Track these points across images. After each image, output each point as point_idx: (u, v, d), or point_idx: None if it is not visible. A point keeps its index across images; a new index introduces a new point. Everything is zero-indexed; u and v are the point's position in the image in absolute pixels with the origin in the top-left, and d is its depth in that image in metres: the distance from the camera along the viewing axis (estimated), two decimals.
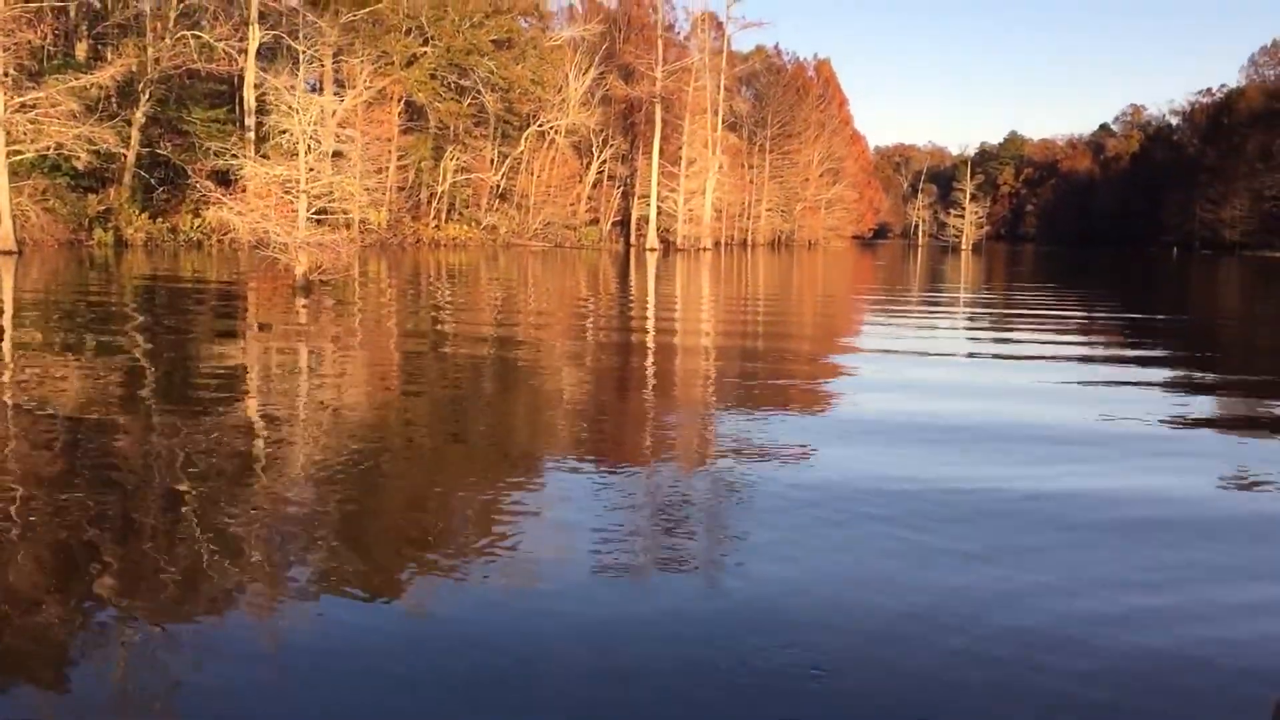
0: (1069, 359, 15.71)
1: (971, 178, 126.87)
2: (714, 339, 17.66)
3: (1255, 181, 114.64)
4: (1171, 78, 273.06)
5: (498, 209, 67.40)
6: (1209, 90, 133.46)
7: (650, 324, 20.47)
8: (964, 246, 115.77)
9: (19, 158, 36.00)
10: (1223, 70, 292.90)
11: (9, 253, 34.55)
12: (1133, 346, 18.40)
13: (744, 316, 22.74)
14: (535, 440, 8.97)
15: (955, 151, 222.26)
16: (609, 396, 11.53)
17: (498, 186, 67.30)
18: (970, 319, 24.34)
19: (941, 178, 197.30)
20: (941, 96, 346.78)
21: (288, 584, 5.10)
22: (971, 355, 16.34)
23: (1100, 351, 17.32)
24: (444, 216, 64.00)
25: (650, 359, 14.93)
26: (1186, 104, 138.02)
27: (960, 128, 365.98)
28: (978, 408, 10.79)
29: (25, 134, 35.29)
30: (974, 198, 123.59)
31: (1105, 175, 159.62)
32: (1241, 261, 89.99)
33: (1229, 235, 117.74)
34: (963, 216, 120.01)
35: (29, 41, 35.30)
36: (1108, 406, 11.06)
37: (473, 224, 65.20)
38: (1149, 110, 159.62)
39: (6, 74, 34.11)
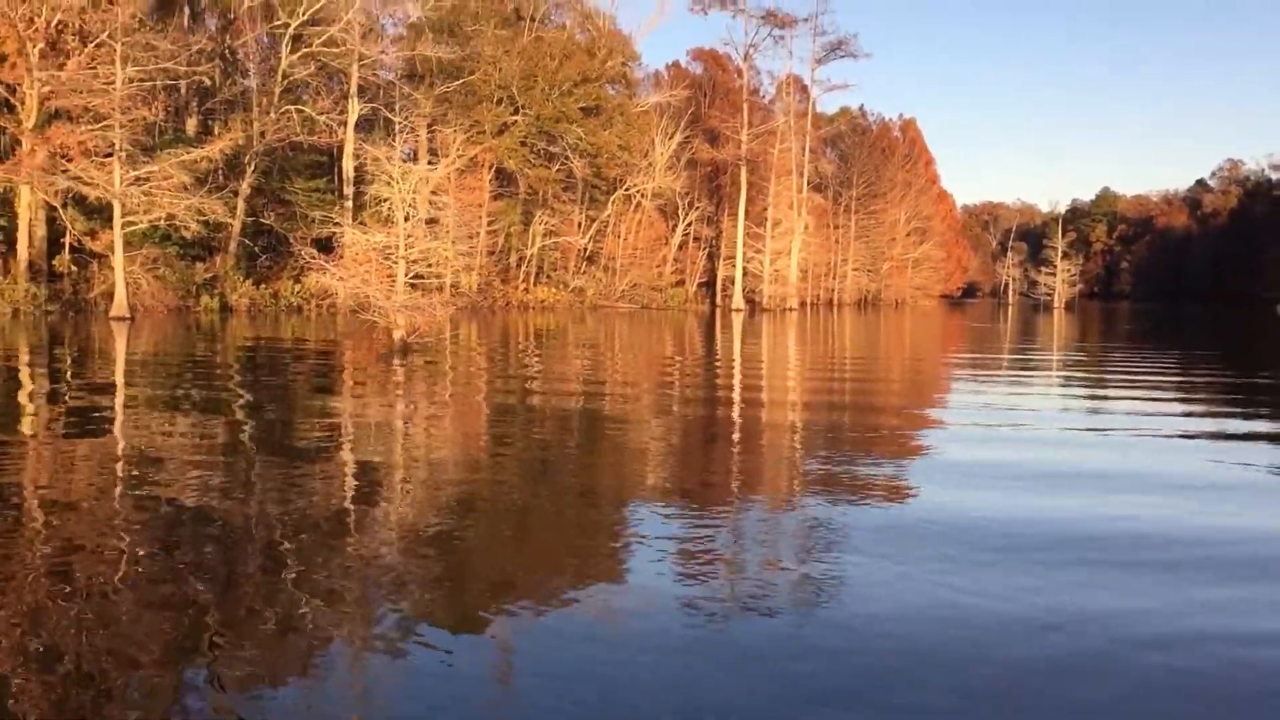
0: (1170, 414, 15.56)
1: (1063, 235, 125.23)
2: (801, 412, 17.83)
3: None
4: (1272, 130, 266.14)
5: (585, 271, 68.56)
6: None
7: (743, 390, 20.72)
8: (1056, 304, 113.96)
9: (133, 228, 37.86)
10: None
11: (123, 319, 36.26)
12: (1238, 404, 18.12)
13: (832, 384, 22.86)
14: (631, 487, 9.32)
15: (1045, 209, 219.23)
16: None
17: (585, 249, 68.51)
18: (1068, 382, 24.11)
19: (1032, 235, 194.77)
20: (1031, 152, 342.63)
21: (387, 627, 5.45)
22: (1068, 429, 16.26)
23: (1201, 409, 17.11)
24: (532, 279, 65.31)
25: (738, 428, 15.19)
26: None
27: (1050, 184, 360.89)
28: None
29: (139, 205, 37.15)
30: (1066, 255, 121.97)
31: (1202, 231, 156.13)
32: None
33: None
34: (1054, 274, 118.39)
35: (143, 118, 37.28)
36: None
37: (560, 286, 66.38)
38: (1247, 165, 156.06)
39: (123, 149, 36.02)
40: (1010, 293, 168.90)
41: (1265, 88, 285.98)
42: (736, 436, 12.72)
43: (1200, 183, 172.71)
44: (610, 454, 11.33)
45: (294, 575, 6.28)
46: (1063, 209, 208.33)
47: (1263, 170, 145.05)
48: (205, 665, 4.91)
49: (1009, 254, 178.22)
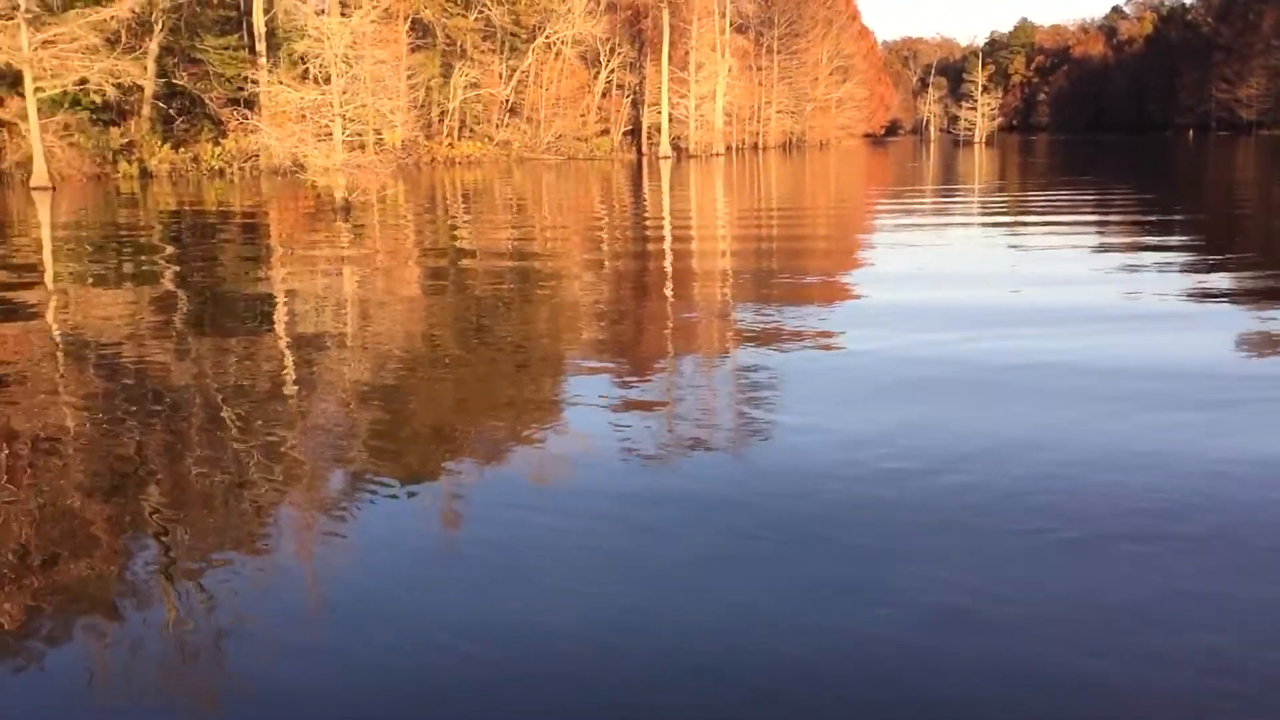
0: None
1: (982, 68, 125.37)
2: (733, 245, 18.40)
3: (1272, 59, 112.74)
4: None
5: (509, 124, 67.50)
6: None
7: (694, 233, 21.18)
8: (977, 139, 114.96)
9: (44, 94, 36.52)
10: None
11: (44, 188, 35.34)
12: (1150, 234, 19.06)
13: (762, 226, 23.42)
14: (560, 344, 9.57)
15: (965, 42, 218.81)
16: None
17: (507, 101, 67.27)
18: (986, 215, 24.94)
19: (951, 70, 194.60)
20: None
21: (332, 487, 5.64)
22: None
23: (1117, 240, 18.02)
24: (456, 134, 64.17)
25: (677, 265, 15.74)
26: None
27: (969, 17, 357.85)
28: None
29: (49, 70, 35.78)
30: (985, 89, 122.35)
31: (1119, 59, 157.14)
32: (1259, 141, 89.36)
33: (1246, 115, 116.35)
34: (975, 109, 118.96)
35: None
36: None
37: (485, 140, 65.40)
38: None
39: (26, 11, 34.42)
40: (932, 129, 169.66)
41: None
42: (669, 288, 13.08)
43: (1116, 10, 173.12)
44: (565, 310, 11.84)
45: (237, 439, 6.45)
46: (981, 42, 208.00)
47: None
48: (156, 534, 5.01)
49: (929, 90, 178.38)
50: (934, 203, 27.44)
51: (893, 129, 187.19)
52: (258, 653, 3.83)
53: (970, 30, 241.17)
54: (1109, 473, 5.41)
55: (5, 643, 3.96)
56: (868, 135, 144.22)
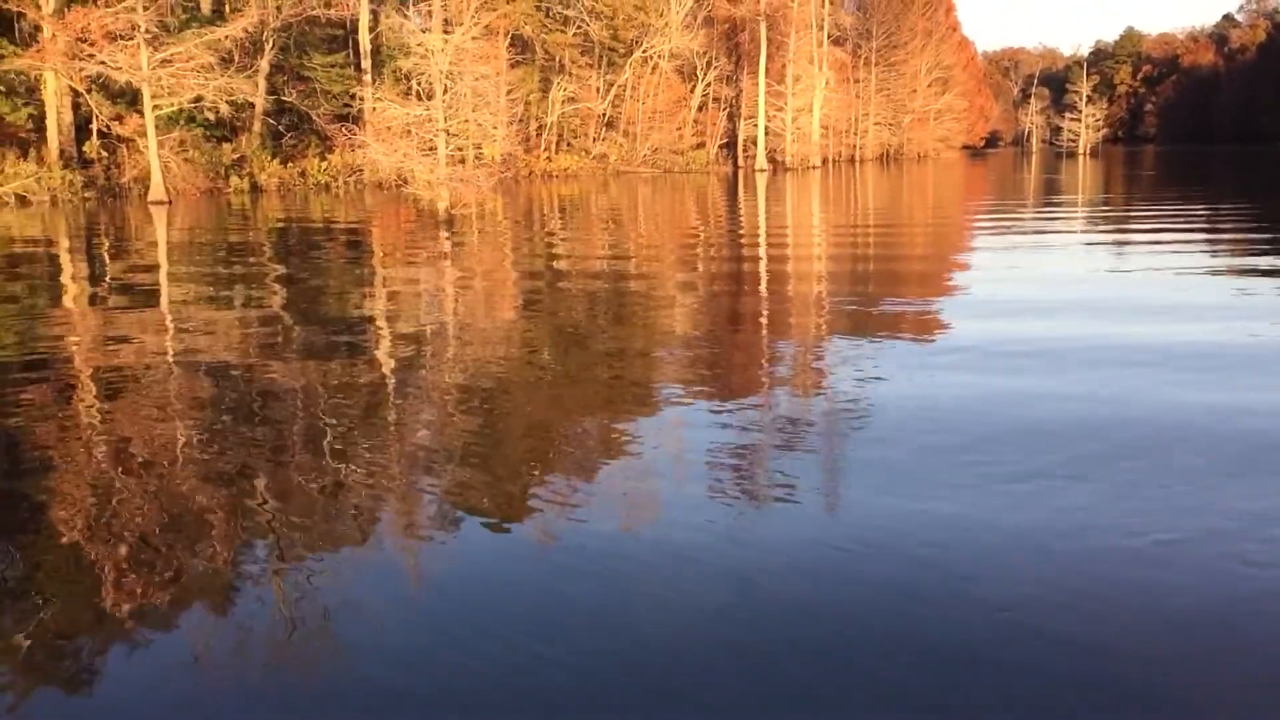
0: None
1: (1087, 78, 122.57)
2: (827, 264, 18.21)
3: None
4: None
5: (606, 137, 68.04)
6: None
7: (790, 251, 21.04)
8: (1081, 151, 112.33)
9: (161, 112, 37.84)
10: None
11: (161, 202, 36.60)
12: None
13: (859, 244, 23.15)
14: (652, 368, 9.27)
15: (1068, 52, 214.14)
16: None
17: (604, 115, 67.82)
18: (1092, 228, 24.30)
19: (1054, 81, 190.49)
20: None
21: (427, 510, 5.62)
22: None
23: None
24: (554, 148, 64.89)
25: (769, 283, 15.60)
26: None
27: (1073, 26, 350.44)
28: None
29: (166, 88, 37.08)
30: (1089, 99, 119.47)
31: (1230, 68, 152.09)
32: None
33: None
34: (1078, 120, 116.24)
35: None
36: None
37: (582, 154, 66.01)
38: None
39: (146, 31, 35.74)
40: (1033, 141, 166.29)
41: None
42: (764, 309, 12.79)
43: (1227, 17, 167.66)
44: (643, 330, 11.80)
45: (338, 444, 6.66)
46: (1085, 52, 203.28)
47: None
48: (259, 534, 5.18)
49: (1031, 101, 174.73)
50: (1038, 217, 26.83)
51: (992, 140, 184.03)
52: (349, 650, 3.99)
53: (1074, 39, 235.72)
54: None
55: (119, 628, 4.22)
56: (966, 147, 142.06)
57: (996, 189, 45.07)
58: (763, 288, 14.19)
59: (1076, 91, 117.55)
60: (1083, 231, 22.21)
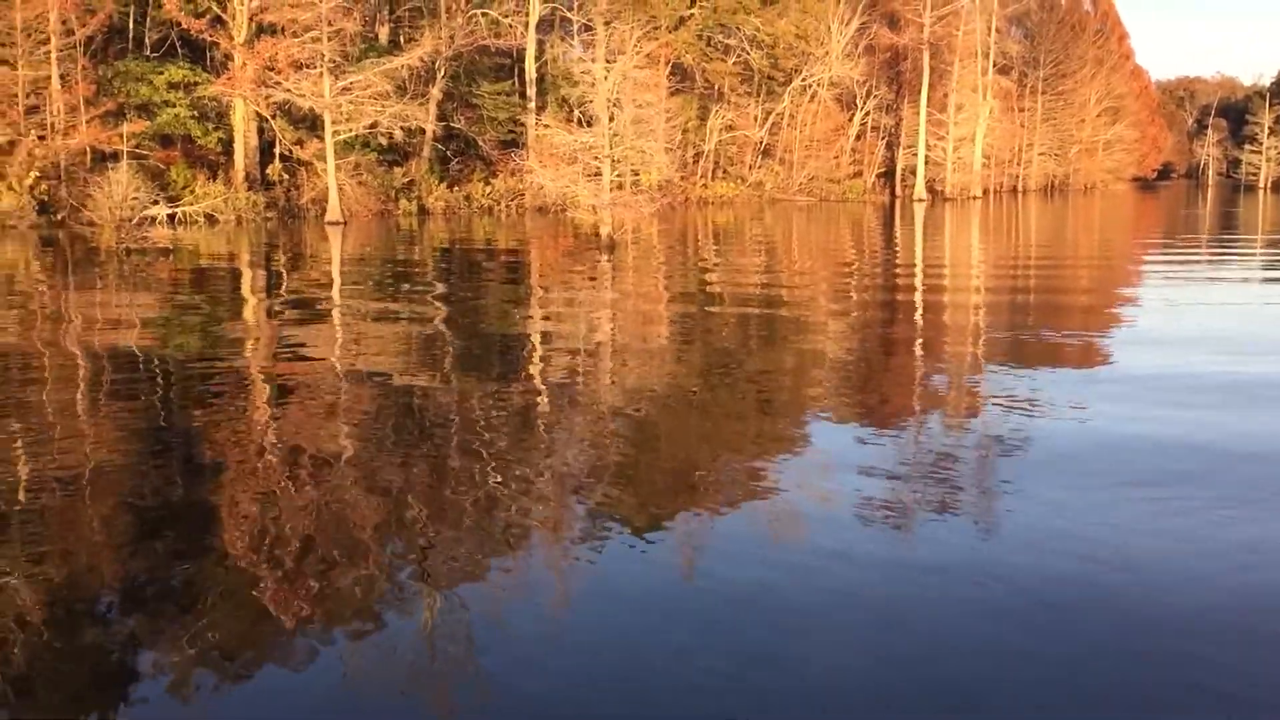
0: None
1: (1269, 108, 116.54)
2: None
3: None
4: None
5: (762, 165, 68.19)
6: None
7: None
8: (1261, 185, 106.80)
9: (339, 137, 39.81)
10: None
11: (337, 223, 38.48)
12: None
13: (1019, 278, 22.65)
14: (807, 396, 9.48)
15: (1248, 81, 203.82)
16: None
17: (761, 143, 68.01)
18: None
19: (1232, 111, 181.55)
20: (1232, 19, 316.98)
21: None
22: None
23: None
24: (711, 175, 65.40)
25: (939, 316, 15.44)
26: None
27: (1254, 54, 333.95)
28: None
29: (345, 115, 39.01)
30: (1272, 131, 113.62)
31: None
32: None
33: None
34: (1259, 152, 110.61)
35: (345, 29, 38.89)
36: None
37: (738, 181, 66.32)
38: None
39: (331, 60, 37.71)
40: (1209, 173, 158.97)
41: None
42: (919, 346, 12.50)
43: None
44: (812, 358, 11.86)
45: (493, 462, 6.95)
46: (1267, 81, 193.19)
47: None
48: (413, 550, 5.42)
49: (1208, 132, 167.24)
50: (1213, 255, 25.78)
51: (1165, 172, 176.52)
52: (497, 664, 4.18)
53: (1255, 69, 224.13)
54: None
55: (278, 638, 4.50)
56: (1137, 179, 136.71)
57: (1167, 223, 43.38)
58: (918, 316, 14.12)
59: (1257, 123, 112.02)
60: (1262, 268, 21.28)
